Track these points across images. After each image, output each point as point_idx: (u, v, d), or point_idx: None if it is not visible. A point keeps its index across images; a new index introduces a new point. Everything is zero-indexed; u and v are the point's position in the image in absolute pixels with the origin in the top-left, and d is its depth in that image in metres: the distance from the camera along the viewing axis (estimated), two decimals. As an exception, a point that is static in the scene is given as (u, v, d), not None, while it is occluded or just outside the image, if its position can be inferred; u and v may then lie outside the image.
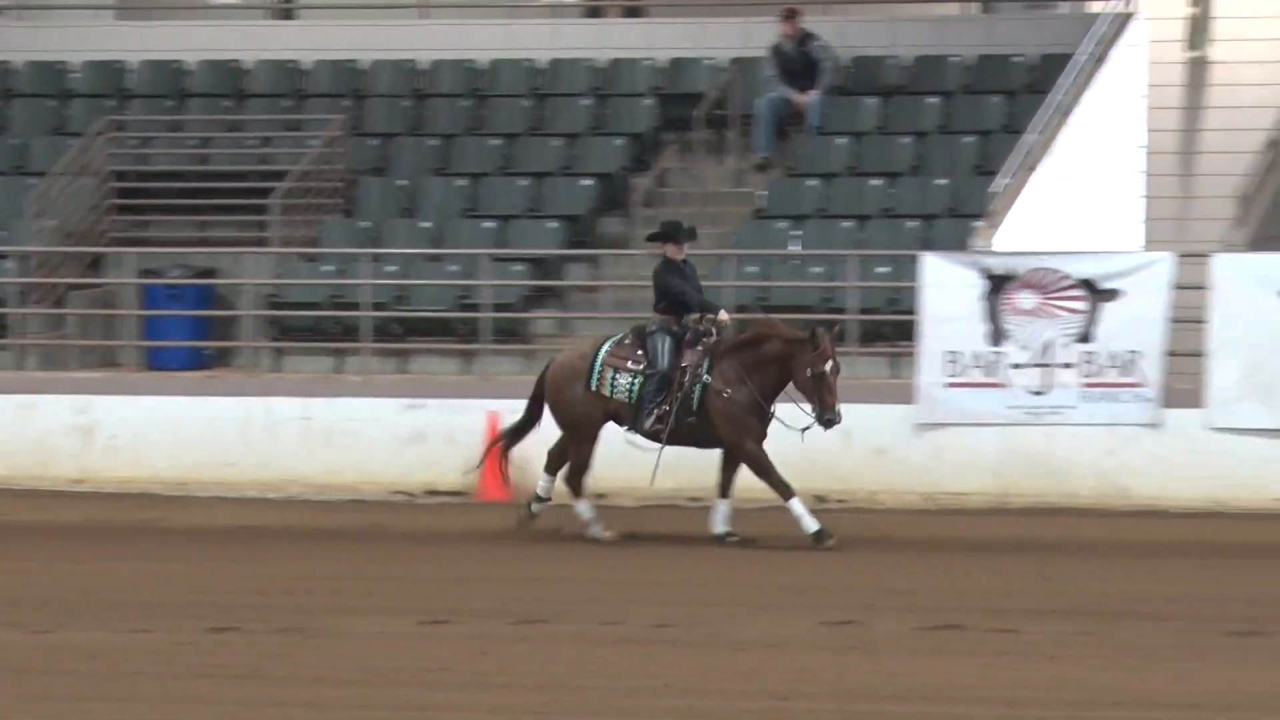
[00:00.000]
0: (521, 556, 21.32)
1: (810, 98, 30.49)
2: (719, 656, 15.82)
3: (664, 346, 21.04)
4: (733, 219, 30.37)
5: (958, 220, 29.74)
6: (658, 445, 20.98)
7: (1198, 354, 27.05)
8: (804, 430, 20.85)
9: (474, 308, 28.39)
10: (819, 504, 26.11)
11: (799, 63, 30.88)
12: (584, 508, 21.49)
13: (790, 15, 30.41)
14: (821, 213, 30.41)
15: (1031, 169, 29.56)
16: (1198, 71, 33.15)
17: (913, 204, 30.78)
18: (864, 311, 28.51)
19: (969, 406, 27.41)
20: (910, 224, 30.17)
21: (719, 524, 21.01)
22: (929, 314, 27.59)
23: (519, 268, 29.51)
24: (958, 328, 27.51)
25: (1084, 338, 27.37)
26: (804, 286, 28.94)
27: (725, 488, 21.26)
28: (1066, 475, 27.21)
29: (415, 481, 26.46)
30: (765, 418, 20.70)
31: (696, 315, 21.00)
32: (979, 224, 28.97)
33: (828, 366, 20.14)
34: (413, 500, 25.71)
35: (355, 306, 28.52)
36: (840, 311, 28.48)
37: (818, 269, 29.47)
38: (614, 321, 27.13)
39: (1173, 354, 27.28)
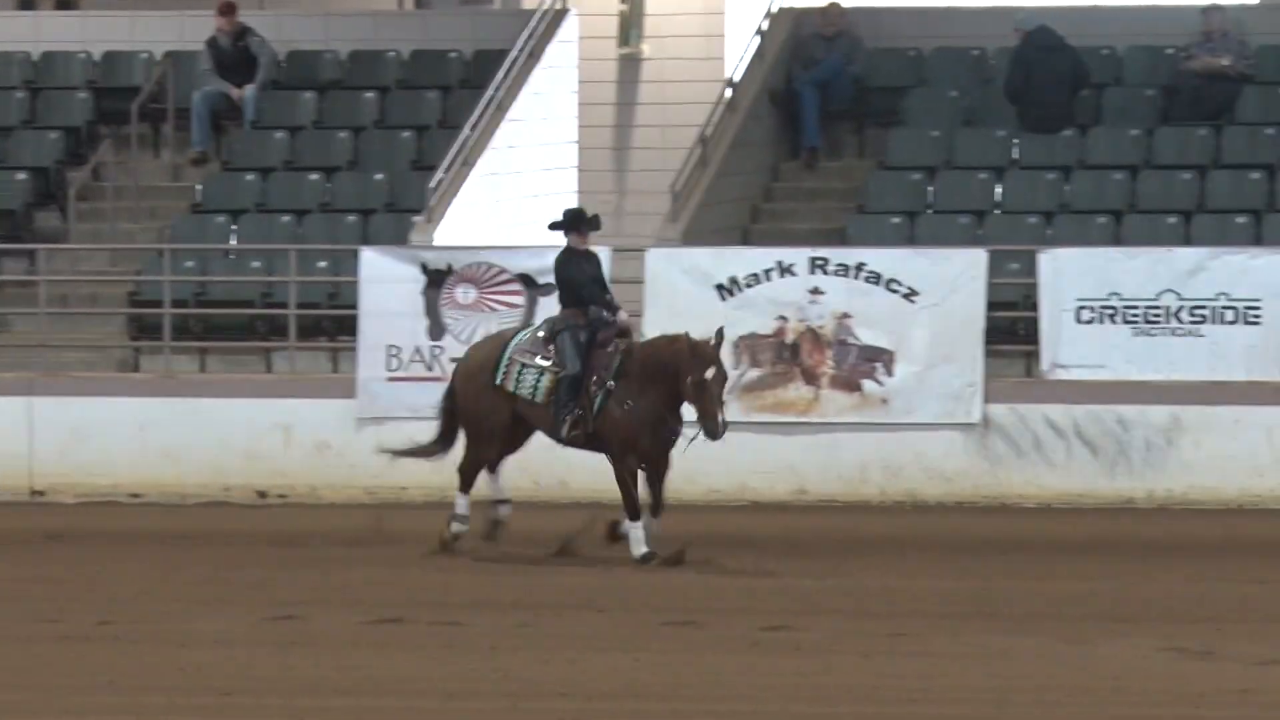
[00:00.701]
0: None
1: (247, 92, 30.46)
2: (162, 653, 15.67)
3: (572, 347, 20.07)
4: (170, 213, 30.18)
5: (396, 215, 29.98)
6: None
7: None
8: (689, 442, 19.84)
9: (-99, 304, 28.00)
10: (260, 500, 26.93)
11: (235, 57, 30.81)
12: (463, 503, 20.46)
13: (226, 10, 30.32)
14: (259, 207, 30.44)
15: (468, 164, 29.76)
16: (629, 68, 33.57)
17: (350, 198, 30.82)
18: (303, 306, 28.57)
19: (409, 400, 27.30)
20: (349, 218, 30.20)
21: (641, 544, 19.84)
22: (368, 309, 27.81)
23: (-46, 263, 29.36)
24: (397, 322, 27.73)
25: None
26: (243, 281, 28.94)
27: (654, 506, 20.22)
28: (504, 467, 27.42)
29: None
30: (659, 432, 19.61)
31: (601, 313, 20.09)
32: (417, 219, 29.36)
33: (708, 374, 19.02)
34: None
35: None
36: (280, 306, 28.67)
37: (256, 263, 29.47)
38: (53, 318, 27.94)
39: None
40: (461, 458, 20.64)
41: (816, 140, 30.61)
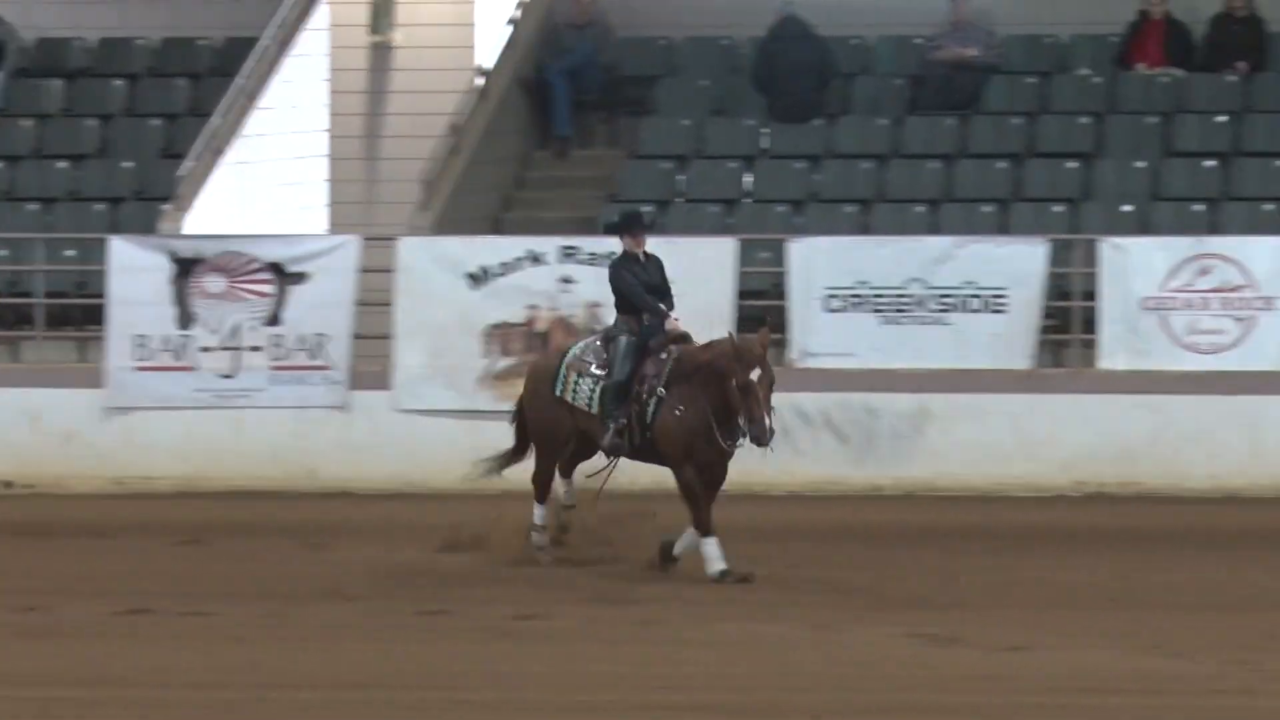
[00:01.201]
0: None
1: (-7, 80, 31.04)
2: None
3: (621, 354, 18.99)
4: (-92, 203, 30.63)
5: (145, 203, 29.88)
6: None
7: (385, 336, 27.55)
8: (735, 447, 18.32)
9: None
10: (6, 489, 26.66)
11: (-20, 44, 31.23)
12: (540, 513, 19.47)
13: (-22, -4, 30.08)
14: (6, 195, 30.36)
15: (219, 152, 29.70)
16: (381, 56, 32.95)
17: (99, 187, 30.72)
18: (51, 295, 28.53)
19: (158, 390, 27.55)
20: (97, 207, 30.25)
21: (717, 561, 18.48)
22: (116, 297, 27.92)
23: None
24: (146, 311, 27.66)
25: (272, 320, 27.63)
26: (-11, 270, 29.54)
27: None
28: (255, 458, 27.41)
29: None
30: (713, 440, 18.07)
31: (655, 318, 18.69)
32: (166, 207, 29.44)
33: (753, 375, 17.42)
34: None
35: None
36: (27, 295, 28.59)
37: (3, 252, 29.32)
38: None
39: (360, 337, 27.68)
40: (533, 469, 19.77)
41: (567, 129, 30.87)
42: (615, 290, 18.54)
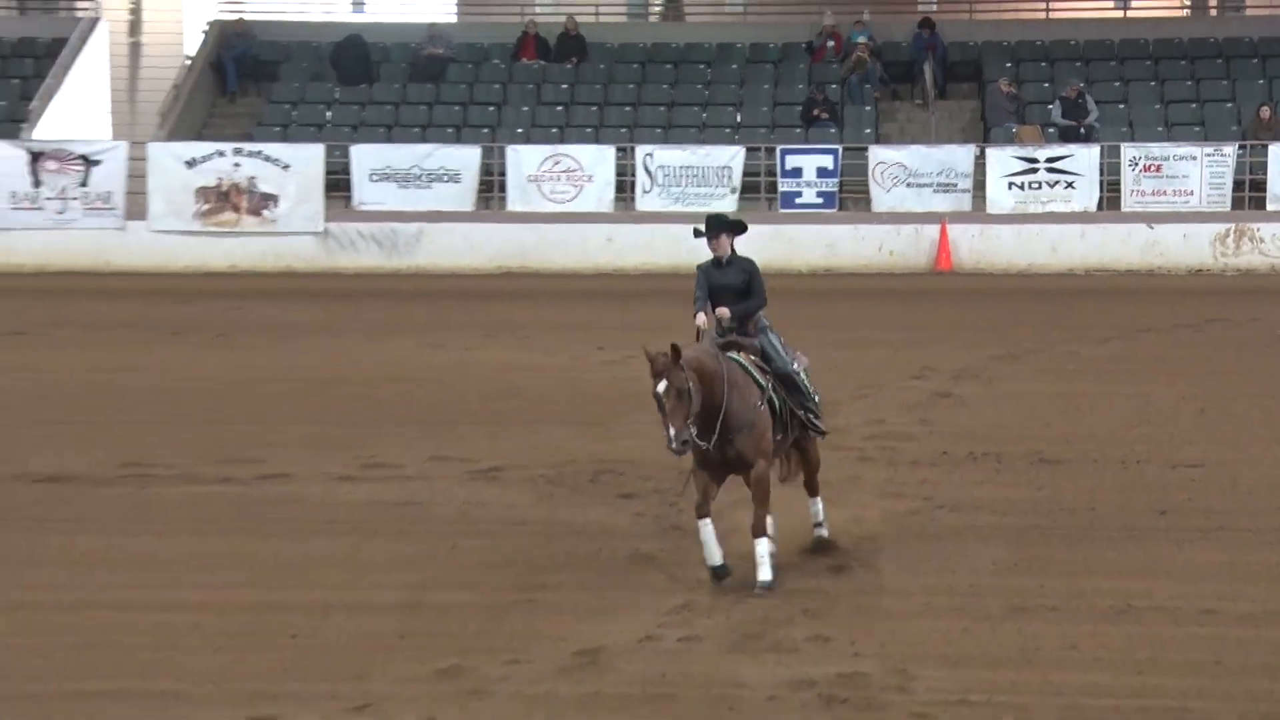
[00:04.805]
0: None
1: None
2: None
3: None
4: None
5: (13, 124, 32.26)
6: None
7: (142, 192, 30.61)
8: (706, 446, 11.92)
9: None
10: None
11: None
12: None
13: None
14: None
15: (50, 97, 33.14)
16: (136, 48, 36.59)
17: None
18: None
19: (20, 219, 30.70)
20: None
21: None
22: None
23: None
24: (15, 180, 30.60)
25: (83, 183, 30.94)
26: None
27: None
28: (75, 255, 30.69)
29: None
30: (713, 449, 11.95)
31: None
32: (24, 125, 32.36)
33: (659, 387, 11.64)
34: None
35: None
36: None
37: None
38: None
39: (131, 193, 30.51)
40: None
41: (235, 88, 35.25)
42: None
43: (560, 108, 33.87)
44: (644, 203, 30.96)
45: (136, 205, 31.01)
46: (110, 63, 35.21)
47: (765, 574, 11.72)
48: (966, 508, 13.94)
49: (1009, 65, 34.24)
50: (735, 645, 10.78)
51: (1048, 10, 36.71)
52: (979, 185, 30.89)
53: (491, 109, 33.80)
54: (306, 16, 36.74)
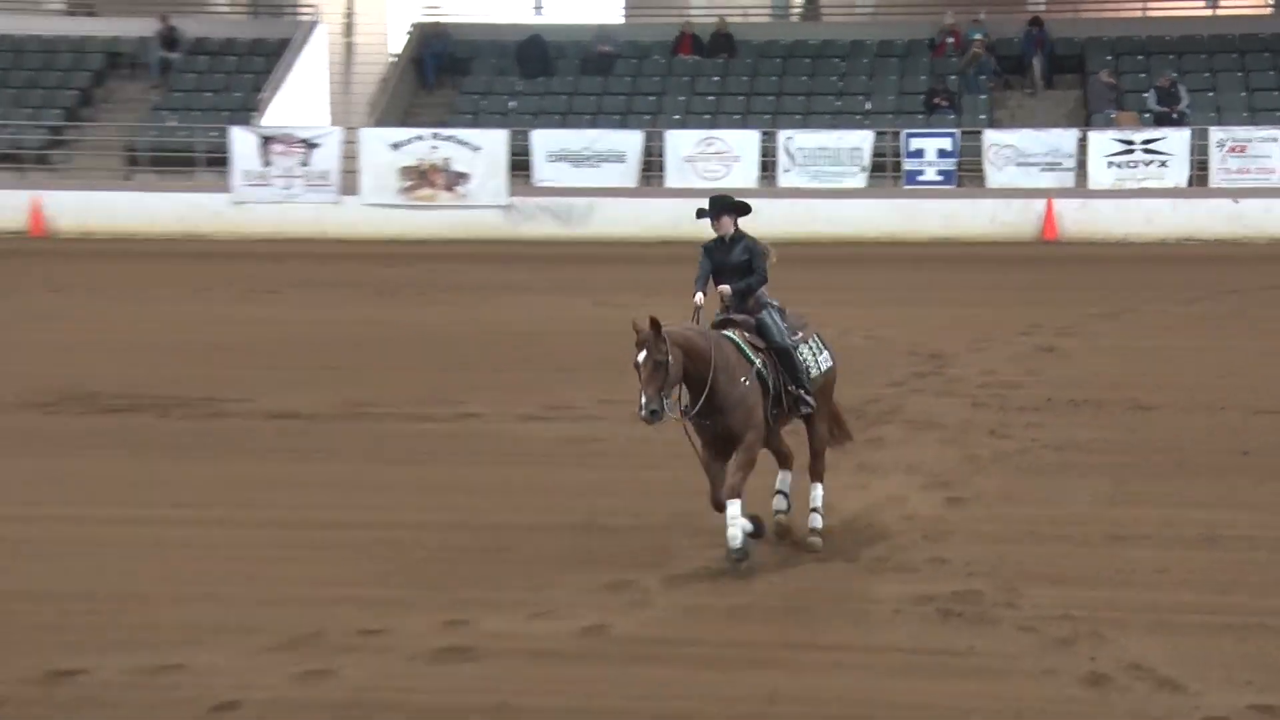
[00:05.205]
0: None
1: None
2: None
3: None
4: None
5: (246, 112, 31.95)
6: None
7: (354, 171, 30.39)
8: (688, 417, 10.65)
9: None
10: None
11: None
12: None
13: None
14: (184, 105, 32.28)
15: (276, 90, 32.93)
16: (350, 48, 36.77)
17: (229, 104, 32.20)
18: (212, 150, 30.36)
19: (255, 193, 30.50)
20: (224, 113, 31.70)
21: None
22: (237, 152, 29.77)
23: None
24: (249, 159, 30.29)
25: (305, 163, 30.82)
26: None
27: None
28: (303, 224, 30.45)
29: None
30: (704, 422, 10.73)
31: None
32: (255, 114, 32.03)
33: (639, 357, 10.35)
34: None
35: None
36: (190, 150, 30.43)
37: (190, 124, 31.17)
38: None
39: (346, 172, 30.31)
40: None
41: (433, 82, 34.61)
42: None
43: (712, 97, 33.53)
44: (784, 180, 30.63)
45: (349, 182, 31.20)
46: (328, 60, 35.55)
47: (735, 538, 10.44)
48: (1068, 448, 13.82)
49: (1109, 58, 33.62)
50: (865, 566, 10.78)
51: (1144, 9, 36.11)
52: (1081, 165, 30.40)
53: (652, 98, 33.53)
54: (494, 19, 36.31)
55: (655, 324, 10.19)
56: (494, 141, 30.76)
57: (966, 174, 30.38)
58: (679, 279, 24.69)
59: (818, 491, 11.13)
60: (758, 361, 10.69)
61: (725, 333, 10.75)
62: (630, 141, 31.04)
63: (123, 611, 9.85)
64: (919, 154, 30.60)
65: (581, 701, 8.55)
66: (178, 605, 9.95)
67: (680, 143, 30.78)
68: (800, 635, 9.47)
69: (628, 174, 30.83)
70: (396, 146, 30.93)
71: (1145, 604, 9.82)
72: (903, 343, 18.68)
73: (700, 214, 11.13)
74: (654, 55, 34.32)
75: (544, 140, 31.04)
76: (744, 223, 11.10)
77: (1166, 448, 13.66)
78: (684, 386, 10.39)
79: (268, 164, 30.93)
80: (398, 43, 35.84)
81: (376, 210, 30.75)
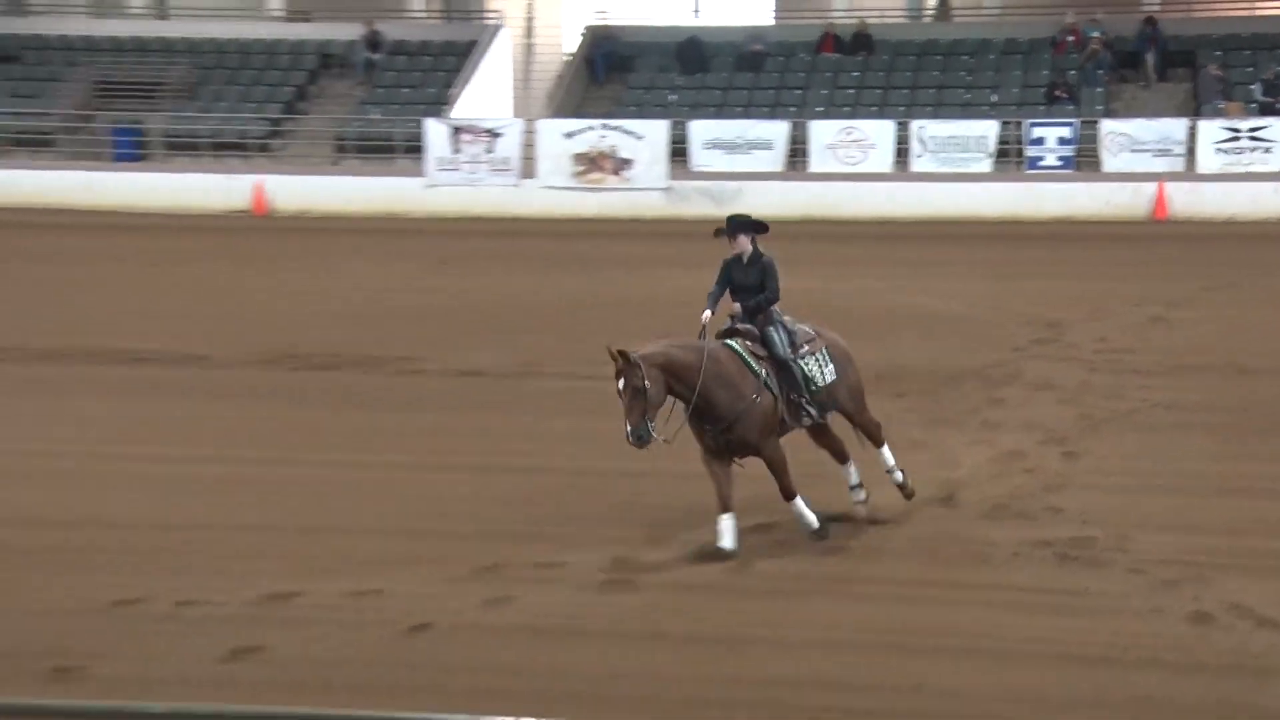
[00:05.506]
0: None
1: None
2: None
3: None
4: None
5: (435, 105, 30.83)
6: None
7: (532, 158, 29.32)
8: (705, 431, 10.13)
9: None
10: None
11: None
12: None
13: None
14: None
15: (465, 84, 31.86)
16: (530, 48, 36.05)
17: (425, 98, 31.28)
18: (409, 138, 29.44)
19: (445, 178, 29.44)
20: (419, 106, 30.77)
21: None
22: (431, 141, 29.01)
23: None
24: (442, 146, 29.31)
25: (490, 150, 29.74)
26: None
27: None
28: (488, 204, 29.41)
29: None
30: (708, 436, 10.18)
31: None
32: (446, 107, 30.89)
33: (618, 385, 9.70)
34: None
35: None
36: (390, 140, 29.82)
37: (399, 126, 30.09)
38: None
39: (525, 158, 29.25)
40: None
41: (602, 79, 33.25)
42: None
43: (852, 91, 32.44)
44: (917, 165, 29.57)
45: (528, 168, 30.48)
46: (511, 59, 35.13)
47: (811, 520, 10.09)
48: (1178, 407, 13.65)
49: (1218, 53, 32.40)
50: (986, 514, 10.66)
51: (1252, 8, 35.06)
52: (1190, 151, 28.41)
53: (798, 92, 32.50)
54: (657, 22, 35.49)
55: (624, 355, 9.54)
56: (656, 131, 30.20)
57: (1084, 159, 29.19)
58: (817, 254, 23.80)
59: (884, 453, 10.72)
60: (763, 373, 10.07)
61: (728, 341, 10.16)
62: (777, 131, 30.23)
63: (331, 542, 10.10)
64: (1040, 141, 29.49)
65: (731, 630, 8.61)
66: (378, 538, 10.14)
67: (822, 132, 29.97)
68: (927, 574, 9.44)
69: (775, 160, 30.03)
70: (570, 135, 30.47)
71: (1247, 550, 9.65)
72: (1023, 313, 18.48)
73: (718, 233, 10.37)
74: (800, 53, 33.52)
75: (700, 130, 30.46)
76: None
77: (1269, 409, 13.40)
78: (676, 399, 9.77)
79: (457, 151, 30.46)
80: (572, 43, 35.51)
81: (552, 192, 30.28)
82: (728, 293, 10.22)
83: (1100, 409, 13.46)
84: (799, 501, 10.06)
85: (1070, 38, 32.63)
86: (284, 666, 8.05)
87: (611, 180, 30.22)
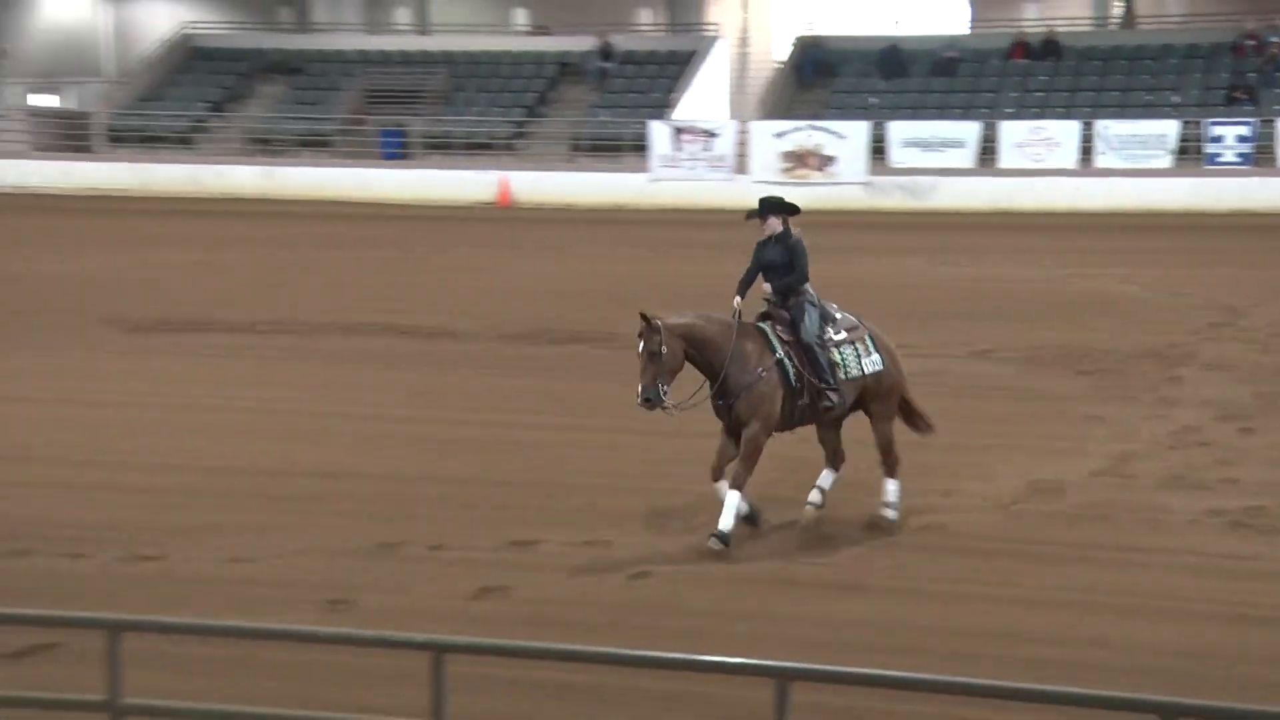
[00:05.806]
0: None
1: None
2: None
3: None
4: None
5: (658, 108, 30.99)
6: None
7: (744, 155, 29.16)
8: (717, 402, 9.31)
9: None
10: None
11: None
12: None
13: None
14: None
15: (684, 91, 31.86)
16: (744, 56, 36.13)
17: (647, 101, 31.50)
18: (636, 137, 29.69)
19: (666, 173, 29.46)
20: (645, 109, 30.91)
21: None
22: (654, 139, 29.19)
23: None
24: (664, 143, 29.50)
25: (708, 148, 29.77)
26: None
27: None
28: (701, 196, 29.08)
29: None
30: (722, 409, 9.32)
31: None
32: (668, 110, 30.94)
33: (639, 348, 9.03)
34: None
35: None
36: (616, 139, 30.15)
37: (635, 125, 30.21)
38: None
39: (738, 155, 29.12)
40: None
41: (810, 82, 32.79)
42: None
43: (1040, 93, 31.75)
44: (1101, 162, 28.93)
45: (742, 164, 30.40)
46: (727, 67, 35.17)
47: (725, 523, 8.92)
48: (1351, 387, 12.79)
49: (1393, 55, 31.00)
50: (1163, 483, 10.36)
51: None
52: None
53: (990, 95, 31.92)
54: (860, 32, 35.20)
55: (645, 318, 8.94)
56: (858, 131, 29.97)
57: (1261, 156, 28.30)
58: (1005, 243, 23.91)
59: (889, 487, 9.49)
60: (780, 352, 9.23)
61: (760, 324, 9.42)
62: (969, 131, 29.82)
63: (569, 498, 10.16)
64: (1219, 139, 28.70)
65: (931, 586, 8.51)
66: (609, 495, 10.19)
67: (1012, 131, 29.49)
68: (1105, 538, 9.18)
69: (967, 157, 29.62)
70: (779, 135, 30.41)
71: None
72: (1200, 298, 17.88)
73: (750, 215, 9.53)
74: (992, 59, 32.92)
75: (898, 130, 30.21)
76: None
77: None
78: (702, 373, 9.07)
79: (678, 150, 30.56)
80: (782, 52, 35.44)
81: (763, 187, 28.76)
82: (759, 279, 9.49)
83: (1275, 387, 12.99)
84: (737, 495, 8.96)
85: (1250, 42, 31.45)
86: (524, 604, 8.18)
87: (817, 176, 29.96)
